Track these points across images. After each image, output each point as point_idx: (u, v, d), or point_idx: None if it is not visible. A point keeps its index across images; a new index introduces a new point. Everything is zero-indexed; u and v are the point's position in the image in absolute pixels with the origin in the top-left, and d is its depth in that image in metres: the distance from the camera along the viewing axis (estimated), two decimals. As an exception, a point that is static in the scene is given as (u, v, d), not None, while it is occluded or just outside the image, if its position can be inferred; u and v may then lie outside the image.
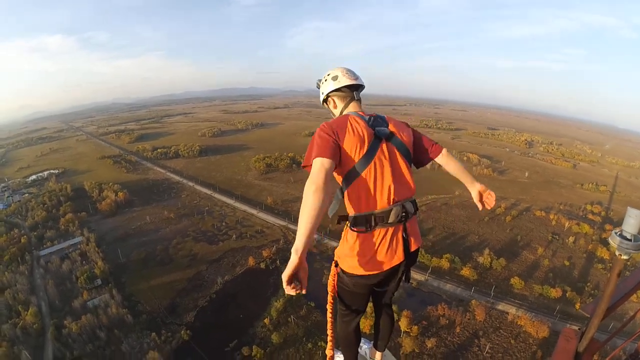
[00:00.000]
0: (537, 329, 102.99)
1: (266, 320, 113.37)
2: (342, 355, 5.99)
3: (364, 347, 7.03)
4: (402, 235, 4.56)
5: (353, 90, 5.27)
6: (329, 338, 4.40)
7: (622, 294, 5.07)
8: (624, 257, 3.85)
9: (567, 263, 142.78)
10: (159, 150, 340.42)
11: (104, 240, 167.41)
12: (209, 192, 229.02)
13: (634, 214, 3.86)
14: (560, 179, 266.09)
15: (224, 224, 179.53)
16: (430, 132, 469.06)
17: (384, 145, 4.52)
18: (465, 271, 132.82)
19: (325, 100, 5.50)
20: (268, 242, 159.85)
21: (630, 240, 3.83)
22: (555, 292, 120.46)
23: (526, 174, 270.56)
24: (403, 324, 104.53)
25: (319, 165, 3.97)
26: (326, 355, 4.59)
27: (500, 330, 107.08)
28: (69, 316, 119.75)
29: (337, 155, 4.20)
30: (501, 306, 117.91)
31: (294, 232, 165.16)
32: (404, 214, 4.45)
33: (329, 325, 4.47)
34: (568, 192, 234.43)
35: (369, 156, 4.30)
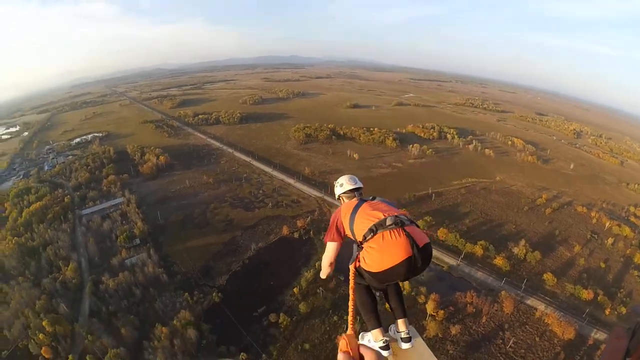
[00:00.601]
0: (564, 330, 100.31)
1: (295, 290, 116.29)
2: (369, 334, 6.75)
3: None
4: (405, 234, 5.70)
5: (354, 190, 7.91)
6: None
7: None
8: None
9: (602, 265, 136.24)
10: (200, 116, 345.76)
11: (144, 202, 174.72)
12: (247, 159, 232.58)
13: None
14: (606, 175, 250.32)
15: (261, 191, 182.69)
16: (475, 112, 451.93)
17: (367, 203, 6.98)
18: (499, 260, 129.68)
19: (338, 198, 8.20)
20: (303, 212, 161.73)
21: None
22: (586, 294, 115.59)
23: (571, 165, 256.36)
24: (430, 307, 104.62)
25: (330, 247, 7.03)
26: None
27: (527, 326, 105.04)
28: (107, 273, 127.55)
29: (341, 234, 6.91)
30: (530, 301, 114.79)
31: (330, 204, 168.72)
32: (398, 220, 5.94)
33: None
34: (613, 190, 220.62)
35: (354, 210, 6.75)
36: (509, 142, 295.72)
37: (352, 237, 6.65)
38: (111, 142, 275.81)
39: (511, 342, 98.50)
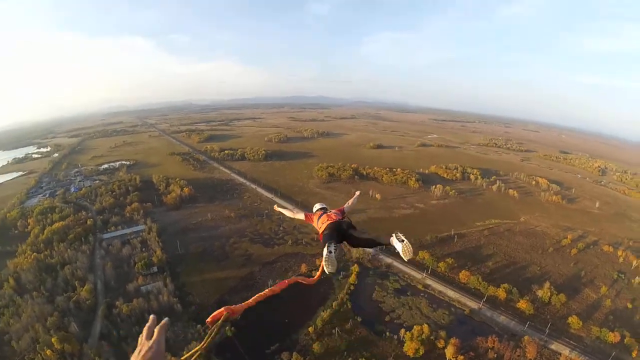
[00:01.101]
0: None
1: (310, 329, 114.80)
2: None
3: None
4: (333, 214, 13.37)
5: (322, 209, 14.42)
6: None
7: None
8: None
9: (629, 305, 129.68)
10: (226, 151, 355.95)
11: (165, 231, 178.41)
12: (270, 195, 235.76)
13: None
14: (632, 212, 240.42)
15: (281, 228, 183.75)
16: (498, 152, 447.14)
17: (326, 214, 13.30)
18: (522, 304, 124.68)
19: (314, 213, 14.21)
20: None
21: None
22: (613, 337, 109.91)
23: (597, 204, 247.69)
24: (449, 352, 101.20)
25: (303, 217, 15.22)
26: None
27: None
28: (121, 297, 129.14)
29: (311, 221, 14.13)
30: (555, 345, 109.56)
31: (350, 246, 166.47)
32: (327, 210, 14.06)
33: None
34: (639, 228, 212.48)
35: (320, 216, 13.44)
36: (533, 182, 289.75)
37: (316, 227, 13.23)
38: (138, 170, 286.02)
39: None
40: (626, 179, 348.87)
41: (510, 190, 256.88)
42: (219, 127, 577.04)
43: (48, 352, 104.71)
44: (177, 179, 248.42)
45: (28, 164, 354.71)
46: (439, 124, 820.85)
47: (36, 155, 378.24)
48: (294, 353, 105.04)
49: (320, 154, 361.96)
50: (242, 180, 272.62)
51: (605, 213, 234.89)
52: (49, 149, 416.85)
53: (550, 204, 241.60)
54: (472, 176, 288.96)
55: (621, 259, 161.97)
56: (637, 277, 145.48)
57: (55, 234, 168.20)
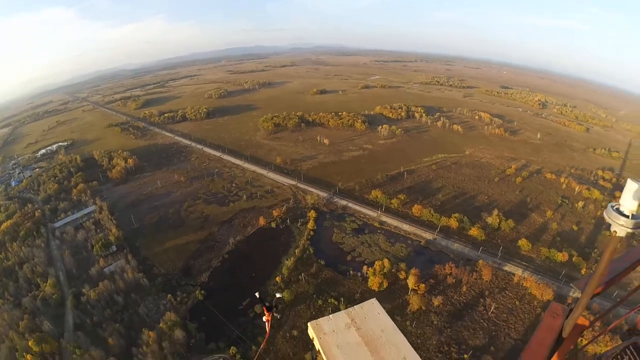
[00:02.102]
0: (542, 292, 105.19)
1: (278, 279, 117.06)
2: None
3: None
4: None
5: None
6: None
7: (617, 272, 4.99)
8: (620, 234, 3.60)
9: (575, 228, 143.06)
10: (166, 114, 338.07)
11: (117, 207, 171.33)
12: (218, 154, 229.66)
13: (633, 188, 3.46)
14: (572, 142, 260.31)
15: (234, 185, 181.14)
16: (441, 90, 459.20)
17: None
18: (474, 231, 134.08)
19: None
20: (278, 201, 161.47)
21: (627, 216, 3.52)
22: (561, 256, 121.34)
23: (538, 135, 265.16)
24: (411, 281, 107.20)
25: None
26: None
27: (506, 291, 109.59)
28: (86, 284, 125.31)
29: None
30: (508, 267, 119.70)
31: (304, 191, 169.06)
32: None
33: None
34: (580, 156, 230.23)
35: None
36: (476, 117, 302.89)
37: None
38: (77, 150, 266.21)
39: (492, 307, 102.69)
40: (566, 111, 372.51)
41: (455, 125, 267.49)
42: (155, 90, 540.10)
43: (28, 357, 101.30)
44: (120, 151, 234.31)
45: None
46: (381, 65, 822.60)
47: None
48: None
49: (263, 105, 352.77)
50: (187, 142, 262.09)
51: (547, 143, 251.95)
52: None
53: (493, 136, 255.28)
54: (416, 114, 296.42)
55: (564, 186, 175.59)
56: (580, 202, 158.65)
57: (5, 235, 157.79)
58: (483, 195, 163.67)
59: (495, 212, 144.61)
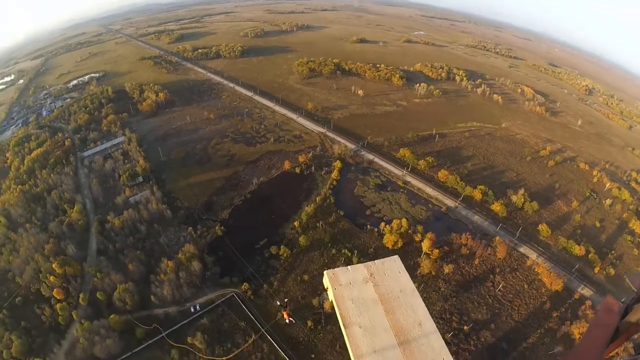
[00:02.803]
0: (552, 281, 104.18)
1: (296, 223, 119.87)
2: None
3: None
4: None
5: None
6: None
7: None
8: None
9: (598, 224, 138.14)
10: (199, 50, 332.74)
11: (145, 140, 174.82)
12: (249, 94, 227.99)
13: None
14: (612, 136, 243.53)
15: (262, 126, 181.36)
16: (486, 56, 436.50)
17: None
18: (496, 206, 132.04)
19: None
20: (305, 147, 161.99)
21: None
22: (578, 250, 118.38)
23: (579, 121, 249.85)
24: (425, 245, 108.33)
25: None
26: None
27: (517, 272, 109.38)
28: (111, 212, 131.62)
29: None
30: (523, 249, 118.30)
31: (332, 140, 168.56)
32: None
33: None
34: (617, 153, 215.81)
35: None
36: (519, 90, 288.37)
37: None
38: (109, 81, 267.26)
39: (500, 285, 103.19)
40: (612, 103, 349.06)
41: (495, 95, 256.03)
42: (190, 25, 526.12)
43: (52, 278, 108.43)
44: (151, 85, 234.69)
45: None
46: (427, 21, 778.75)
47: (1, 87, 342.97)
48: (282, 246, 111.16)
49: (300, 49, 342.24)
50: (219, 79, 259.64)
51: (587, 132, 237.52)
52: (12, 77, 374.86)
53: (533, 114, 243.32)
54: (457, 77, 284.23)
55: (595, 179, 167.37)
56: (608, 199, 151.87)
57: (35, 162, 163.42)
58: (512, 172, 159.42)
59: (522, 191, 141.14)
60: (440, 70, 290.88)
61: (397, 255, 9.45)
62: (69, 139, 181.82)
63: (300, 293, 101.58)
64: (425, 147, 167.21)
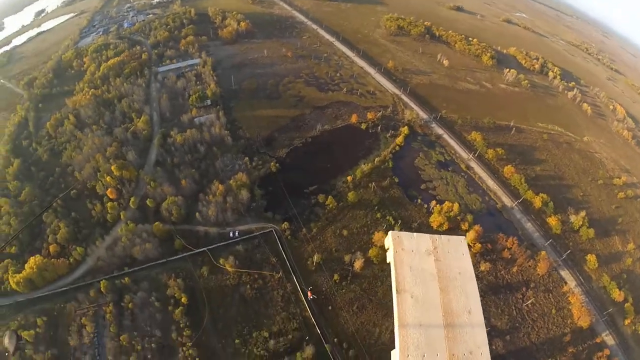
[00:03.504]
0: (581, 316, 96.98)
1: (349, 178, 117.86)
2: None
3: None
4: None
5: None
6: None
7: None
8: None
9: None
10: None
11: (220, 65, 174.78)
12: (331, 39, 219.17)
13: None
14: None
15: (338, 74, 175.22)
16: (587, 60, 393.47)
17: None
18: (552, 220, 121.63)
19: None
20: (376, 105, 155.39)
21: None
22: (617, 294, 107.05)
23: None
24: (470, 236, 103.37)
25: None
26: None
27: (550, 294, 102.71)
28: (175, 128, 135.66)
29: None
30: (564, 273, 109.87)
31: (405, 104, 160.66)
32: None
33: None
34: None
35: None
36: (611, 106, 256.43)
37: None
38: (193, 3, 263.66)
39: (530, 301, 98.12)
40: None
41: (585, 104, 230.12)
42: None
43: (108, 178, 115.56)
44: (234, 13, 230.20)
45: (78, 5, 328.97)
46: (531, 4, 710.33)
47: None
48: (330, 196, 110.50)
49: (391, 3, 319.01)
50: (303, 18, 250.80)
51: None
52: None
53: (619, 136, 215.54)
54: (550, 73, 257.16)
55: None
56: None
57: (111, 70, 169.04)
58: (579, 190, 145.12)
59: (583, 214, 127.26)
60: (535, 61, 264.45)
61: (464, 237, 8.88)
62: (146, 53, 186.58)
63: (335, 246, 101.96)
64: (498, 137, 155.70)
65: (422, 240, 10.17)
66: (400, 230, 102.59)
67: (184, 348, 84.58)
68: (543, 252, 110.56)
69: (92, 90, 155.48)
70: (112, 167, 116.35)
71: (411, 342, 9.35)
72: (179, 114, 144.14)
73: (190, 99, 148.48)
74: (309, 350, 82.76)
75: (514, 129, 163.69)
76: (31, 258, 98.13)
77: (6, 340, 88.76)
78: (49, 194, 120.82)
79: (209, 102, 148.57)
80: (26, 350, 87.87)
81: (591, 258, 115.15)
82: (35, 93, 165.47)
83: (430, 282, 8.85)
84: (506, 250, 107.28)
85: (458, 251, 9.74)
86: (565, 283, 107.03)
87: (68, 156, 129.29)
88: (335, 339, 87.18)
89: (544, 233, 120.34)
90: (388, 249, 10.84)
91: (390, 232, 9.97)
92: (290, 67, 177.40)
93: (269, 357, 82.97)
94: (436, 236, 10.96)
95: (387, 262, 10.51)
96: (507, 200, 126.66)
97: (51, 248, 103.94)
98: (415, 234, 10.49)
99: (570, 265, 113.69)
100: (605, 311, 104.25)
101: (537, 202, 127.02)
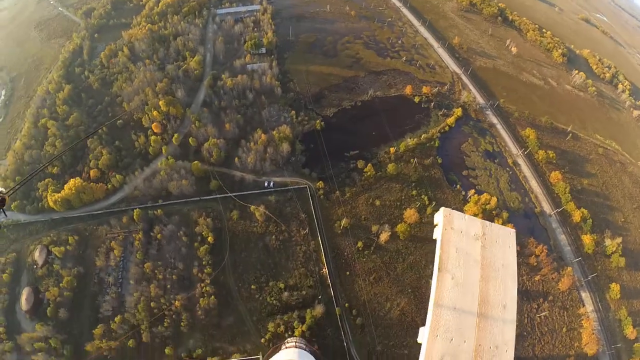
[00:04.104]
0: (589, 342, 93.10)
1: (392, 149, 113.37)
2: None
3: None
4: None
5: None
6: None
7: None
8: None
9: None
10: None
11: (280, 15, 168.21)
12: (398, 4, 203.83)
13: None
14: None
15: (399, 42, 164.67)
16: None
17: None
18: (587, 239, 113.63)
19: None
20: (433, 80, 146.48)
21: None
22: (630, 332, 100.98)
23: None
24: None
25: None
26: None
27: (565, 312, 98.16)
28: (227, 72, 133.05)
29: None
30: (584, 295, 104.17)
31: (464, 85, 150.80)
32: None
33: None
34: None
35: None
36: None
37: None
38: None
39: (543, 314, 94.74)
40: None
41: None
42: None
43: (155, 113, 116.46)
44: None
45: None
46: (614, 8, 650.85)
47: None
48: (369, 164, 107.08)
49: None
50: None
51: None
52: None
53: None
54: (620, 86, 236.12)
55: None
56: None
57: (169, 7, 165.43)
58: (621, 215, 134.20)
59: (619, 240, 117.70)
60: (607, 69, 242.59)
61: (514, 230, 9.77)
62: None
63: (365, 215, 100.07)
64: (552, 139, 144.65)
65: (473, 223, 9.97)
66: (433, 211, 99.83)
67: (202, 284, 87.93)
68: (569, 268, 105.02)
69: (149, 25, 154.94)
70: (160, 102, 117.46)
71: (442, 323, 9.50)
72: (232, 58, 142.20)
73: (246, 44, 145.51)
74: (319, 309, 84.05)
75: (570, 134, 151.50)
76: (71, 180, 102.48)
77: (37, 254, 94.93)
78: (96, 121, 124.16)
79: (264, 50, 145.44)
80: (54, 265, 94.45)
81: (615, 287, 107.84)
82: (92, 23, 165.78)
83: (473, 267, 8.85)
84: (534, 257, 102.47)
85: (505, 243, 9.65)
86: (583, 305, 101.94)
87: (118, 87, 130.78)
88: (347, 304, 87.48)
89: (575, 249, 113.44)
90: (437, 225, 10.21)
91: (442, 208, 9.73)
92: (351, 26, 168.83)
93: (280, 307, 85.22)
94: (487, 222, 10.71)
95: (433, 238, 9.95)
96: (546, 206, 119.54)
97: (91, 172, 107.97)
98: (467, 215, 10.20)
99: (592, 288, 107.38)
100: (614, 345, 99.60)
101: (577, 216, 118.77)
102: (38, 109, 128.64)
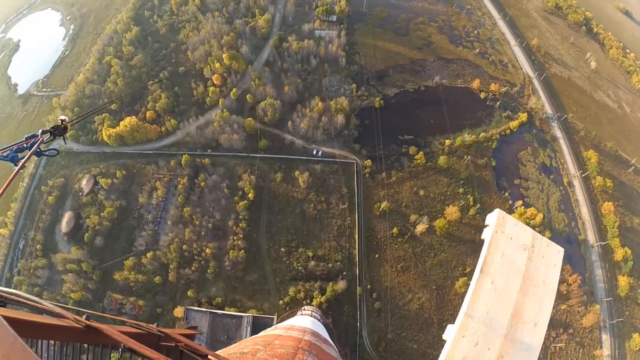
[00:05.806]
0: None
1: (447, 141, 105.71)
2: None
3: None
4: None
5: None
6: None
7: None
8: None
9: None
10: None
11: None
12: None
13: None
14: None
15: (476, 32, 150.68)
16: None
17: None
18: (624, 280, 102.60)
19: None
20: (504, 79, 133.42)
21: None
22: None
23: None
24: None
25: None
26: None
27: (581, 350, 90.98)
28: (294, 35, 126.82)
29: None
30: (605, 337, 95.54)
31: (534, 90, 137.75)
32: None
33: None
34: None
35: None
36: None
37: None
38: None
39: (559, 345, 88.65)
40: None
41: None
42: None
43: (217, 65, 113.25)
44: None
45: None
46: None
47: None
48: (421, 152, 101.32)
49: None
50: None
51: None
52: None
53: None
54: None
55: None
56: None
57: None
58: None
59: None
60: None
61: (563, 249, 9.13)
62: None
63: (407, 202, 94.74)
64: (613, 168, 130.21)
65: (525, 232, 8.59)
66: (476, 212, 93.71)
67: (235, 237, 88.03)
68: (597, 306, 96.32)
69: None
70: (224, 55, 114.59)
71: (472, 325, 7.97)
72: (301, 22, 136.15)
73: (317, 10, 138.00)
74: (341, 285, 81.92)
75: (633, 167, 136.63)
76: (127, 117, 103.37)
77: (84, 182, 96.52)
78: (159, 65, 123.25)
79: (334, 18, 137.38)
80: (99, 195, 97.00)
81: (637, 338, 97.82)
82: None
83: (515, 277, 7.90)
84: (565, 284, 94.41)
85: (552, 260, 8.56)
86: (601, 347, 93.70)
87: (185, 35, 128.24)
88: (369, 286, 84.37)
89: (608, 287, 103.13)
90: (487, 225, 8.87)
91: (497, 210, 8.67)
92: (427, 7, 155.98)
93: (304, 275, 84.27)
94: (538, 235, 9.11)
95: (482, 238, 8.61)
96: (591, 236, 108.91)
97: (148, 114, 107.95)
98: (520, 222, 8.85)
99: (614, 333, 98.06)
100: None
101: (619, 254, 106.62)
102: (104, 46, 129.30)
